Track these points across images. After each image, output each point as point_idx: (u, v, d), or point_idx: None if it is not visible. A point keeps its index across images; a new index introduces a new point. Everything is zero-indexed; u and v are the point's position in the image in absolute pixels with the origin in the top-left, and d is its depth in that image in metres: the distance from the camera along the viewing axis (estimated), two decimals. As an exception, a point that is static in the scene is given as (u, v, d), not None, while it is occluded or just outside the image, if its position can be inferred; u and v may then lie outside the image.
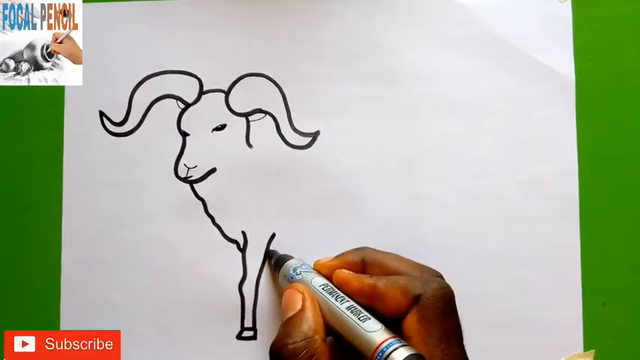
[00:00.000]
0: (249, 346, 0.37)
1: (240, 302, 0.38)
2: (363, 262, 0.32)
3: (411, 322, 0.27)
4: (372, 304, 0.29)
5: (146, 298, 0.38)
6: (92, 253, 0.38)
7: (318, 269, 0.33)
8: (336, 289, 0.31)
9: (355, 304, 0.29)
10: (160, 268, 0.38)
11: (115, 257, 0.38)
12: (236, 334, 0.37)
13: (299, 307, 0.30)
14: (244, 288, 0.38)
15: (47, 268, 0.39)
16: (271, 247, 0.38)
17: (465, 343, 0.29)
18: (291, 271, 0.34)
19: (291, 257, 0.36)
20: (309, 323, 0.28)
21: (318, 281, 0.32)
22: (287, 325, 0.29)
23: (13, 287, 0.39)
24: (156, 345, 0.38)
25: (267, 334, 0.37)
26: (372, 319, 0.28)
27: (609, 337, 0.36)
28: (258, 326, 0.37)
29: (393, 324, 0.28)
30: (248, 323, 0.37)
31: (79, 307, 0.38)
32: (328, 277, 0.32)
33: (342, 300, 0.30)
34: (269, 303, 0.37)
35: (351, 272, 0.31)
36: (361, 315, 0.28)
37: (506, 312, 0.37)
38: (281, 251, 0.37)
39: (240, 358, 0.37)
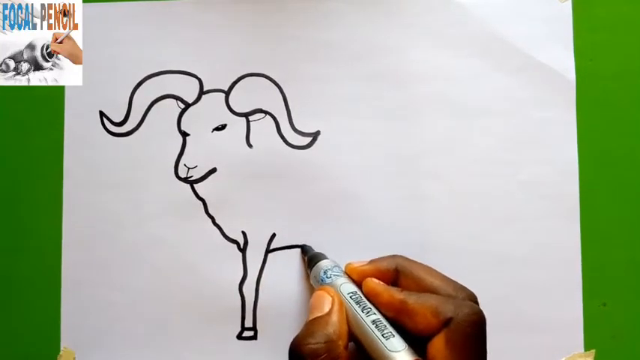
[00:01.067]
0: (249, 346, 0.37)
1: (240, 302, 0.38)
2: (397, 271, 0.31)
3: (438, 344, 0.26)
4: (399, 320, 0.28)
5: (146, 298, 0.38)
6: (92, 253, 0.38)
7: (349, 273, 0.33)
8: (364, 299, 0.30)
9: (381, 318, 0.29)
10: (160, 268, 0.38)
11: (115, 257, 0.38)
12: (236, 334, 0.37)
13: (327, 309, 0.29)
14: (244, 288, 0.38)
15: (47, 268, 0.39)
16: (274, 247, 0.38)
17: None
18: (322, 274, 0.33)
19: (324, 257, 0.35)
20: (335, 327, 0.28)
21: (347, 288, 0.31)
22: (312, 324, 0.28)
23: (13, 287, 0.39)
24: (156, 345, 0.38)
25: (267, 334, 0.37)
26: (397, 336, 0.27)
27: (609, 337, 0.36)
28: (258, 326, 0.37)
29: (418, 341, 0.27)
30: (248, 323, 0.37)
31: (79, 307, 0.38)
32: (358, 283, 0.32)
33: (368, 312, 0.29)
34: (269, 303, 0.37)
35: (381, 283, 0.30)
36: (386, 331, 0.28)
37: (506, 312, 0.37)
38: (285, 254, 0.37)
39: (240, 358, 0.37)
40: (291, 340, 0.27)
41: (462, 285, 0.29)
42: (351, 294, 0.30)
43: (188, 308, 0.38)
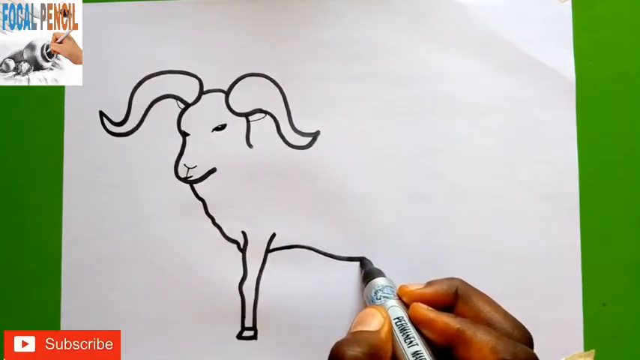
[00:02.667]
0: (249, 346, 0.37)
1: (240, 302, 0.38)
2: (456, 295, 0.30)
3: None
4: (452, 347, 0.28)
5: (146, 298, 0.38)
6: (92, 253, 0.38)
7: (401, 295, 0.31)
8: (410, 327, 0.29)
9: (423, 351, 0.28)
10: (160, 268, 0.38)
11: (115, 257, 0.38)
12: (236, 334, 0.37)
13: (375, 327, 0.29)
14: (244, 288, 0.38)
15: (47, 268, 0.39)
16: (274, 247, 0.38)
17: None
18: (372, 294, 0.32)
19: (380, 274, 0.34)
20: (381, 344, 0.28)
21: (395, 312, 0.30)
22: (359, 334, 0.28)
23: (13, 287, 0.39)
24: (156, 345, 0.38)
25: (267, 334, 0.37)
26: None
27: (609, 336, 0.36)
28: (258, 326, 0.37)
29: None
30: (248, 323, 0.37)
31: (79, 307, 0.38)
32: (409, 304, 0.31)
33: (410, 342, 0.28)
34: (269, 303, 0.37)
35: (431, 309, 0.29)
36: None
37: (506, 312, 0.37)
38: (285, 254, 0.37)
39: (240, 358, 0.37)
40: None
41: (520, 323, 0.29)
42: (397, 320, 0.29)
43: (188, 308, 0.38)
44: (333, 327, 0.37)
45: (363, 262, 0.37)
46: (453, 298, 0.30)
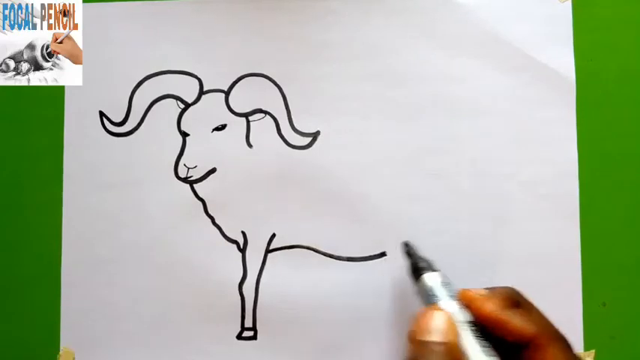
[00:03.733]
0: (249, 346, 0.37)
1: (240, 302, 0.38)
2: (517, 303, 0.30)
3: None
4: (523, 347, 0.29)
5: (146, 298, 0.38)
6: (92, 253, 0.38)
7: (463, 299, 0.31)
8: (480, 333, 0.29)
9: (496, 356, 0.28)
10: (160, 268, 0.38)
11: (115, 257, 0.38)
12: (236, 334, 0.37)
13: (447, 339, 0.28)
14: (244, 288, 0.38)
15: (47, 268, 0.39)
16: (274, 247, 0.38)
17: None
18: (437, 290, 0.31)
19: (434, 268, 0.33)
20: (456, 356, 0.28)
21: (463, 316, 0.30)
22: (432, 350, 0.28)
23: (13, 287, 0.39)
24: (156, 345, 0.38)
25: (267, 334, 0.37)
26: None
27: (609, 337, 0.36)
28: (258, 326, 0.37)
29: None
30: (248, 323, 0.37)
31: (79, 306, 0.38)
32: (468, 307, 0.30)
33: (485, 348, 0.28)
34: (269, 303, 0.37)
35: (501, 309, 0.30)
36: None
37: (506, 312, 0.37)
38: (285, 254, 0.37)
39: (240, 358, 0.37)
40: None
41: (561, 332, 0.30)
42: (470, 324, 0.29)
43: (188, 308, 0.38)
44: (333, 327, 0.37)
45: (408, 248, 0.35)
46: (514, 305, 0.30)
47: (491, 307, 0.30)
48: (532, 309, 0.30)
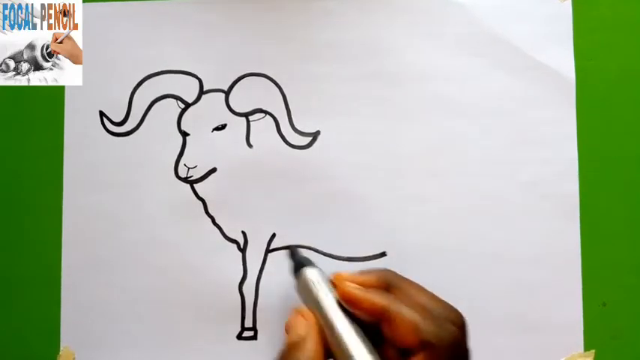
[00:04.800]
0: (249, 346, 0.37)
1: (240, 302, 0.38)
2: (388, 285, 0.30)
3: None
4: (379, 324, 0.28)
5: (146, 298, 0.38)
6: (92, 253, 0.38)
7: (335, 281, 0.31)
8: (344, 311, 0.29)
9: (358, 333, 0.28)
10: (160, 268, 0.38)
11: (115, 257, 0.38)
12: (236, 334, 0.37)
13: (302, 334, 0.29)
14: (244, 288, 0.38)
15: (47, 268, 0.39)
16: (274, 247, 0.38)
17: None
18: (310, 284, 0.31)
19: (312, 264, 0.33)
20: (309, 354, 0.28)
21: (332, 300, 0.30)
22: (288, 351, 0.29)
23: (13, 287, 0.39)
24: (156, 345, 0.38)
25: (267, 334, 0.37)
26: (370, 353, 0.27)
27: (609, 337, 0.36)
28: (258, 326, 0.37)
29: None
30: (248, 323, 0.37)
31: (79, 306, 0.38)
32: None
33: (359, 335, 0.28)
34: (269, 303, 0.37)
35: (360, 287, 0.29)
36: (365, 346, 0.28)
37: (506, 312, 0.37)
38: (284, 254, 0.37)
39: (240, 358, 0.37)
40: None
41: (451, 305, 0.29)
42: (343, 311, 0.29)
43: (188, 308, 0.38)
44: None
45: (293, 251, 0.35)
46: (385, 287, 0.30)
47: (350, 287, 0.29)
48: (402, 288, 0.30)
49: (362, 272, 0.31)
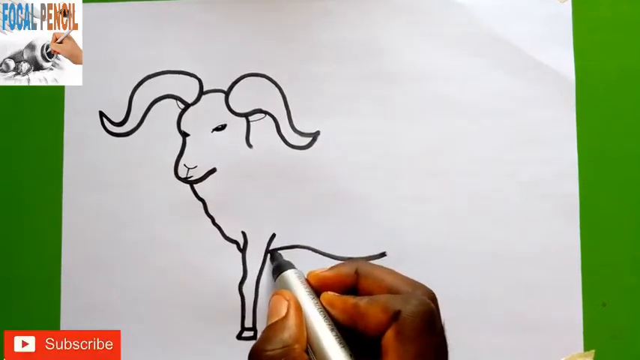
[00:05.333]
0: (249, 346, 0.37)
1: (240, 302, 0.38)
2: (357, 274, 0.31)
3: (388, 338, 0.26)
4: (354, 324, 0.28)
5: (146, 298, 0.38)
6: (92, 253, 0.38)
7: (311, 280, 0.32)
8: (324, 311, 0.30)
9: (335, 332, 0.29)
10: (160, 268, 0.38)
11: (115, 257, 0.38)
12: (236, 334, 0.37)
13: (283, 313, 0.29)
14: (244, 288, 0.38)
15: (47, 268, 0.39)
16: (274, 247, 0.38)
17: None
18: (288, 285, 0.32)
19: (292, 266, 0.34)
20: (291, 331, 0.28)
21: (309, 295, 0.31)
22: (268, 330, 0.29)
23: (13, 287, 0.39)
24: (156, 345, 0.38)
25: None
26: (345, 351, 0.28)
27: (609, 337, 0.36)
28: (258, 326, 0.37)
29: (376, 344, 0.28)
30: (248, 323, 0.37)
31: (79, 307, 0.38)
32: (319, 290, 0.31)
33: (328, 323, 0.29)
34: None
35: (336, 294, 0.30)
36: (339, 343, 0.28)
37: (506, 312, 0.37)
38: (285, 254, 0.37)
39: (240, 358, 0.37)
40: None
41: (420, 283, 0.30)
42: (315, 302, 0.30)
43: (188, 308, 0.38)
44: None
45: (273, 255, 0.36)
46: (355, 278, 0.30)
47: (324, 296, 0.30)
48: (370, 275, 0.30)
49: (333, 267, 0.32)
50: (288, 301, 0.30)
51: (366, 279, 0.30)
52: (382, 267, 0.31)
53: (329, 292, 0.31)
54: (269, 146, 0.38)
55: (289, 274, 0.33)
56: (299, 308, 0.30)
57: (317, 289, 0.31)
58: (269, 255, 0.37)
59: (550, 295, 0.37)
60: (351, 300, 0.29)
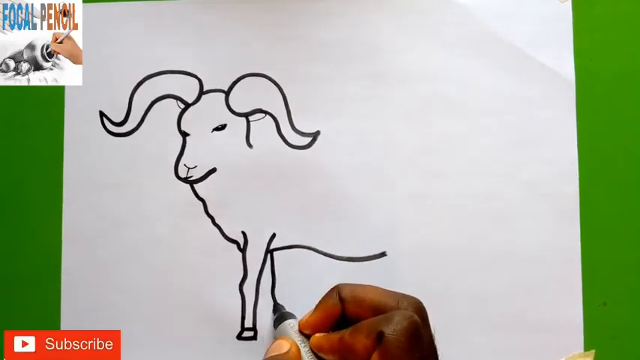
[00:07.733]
0: (249, 346, 0.37)
1: (240, 302, 0.38)
2: (342, 301, 0.31)
3: None
4: (346, 357, 0.29)
5: (146, 298, 0.38)
6: (92, 253, 0.38)
7: (302, 329, 0.32)
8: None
9: None
10: (160, 268, 0.38)
11: (115, 257, 0.38)
12: (236, 334, 0.37)
13: (285, 350, 0.30)
14: (244, 288, 0.38)
15: (47, 268, 0.39)
16: (274, 247, 0.38)
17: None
18: (285, 332, 0.33)
19: (292, 316, 0.35)
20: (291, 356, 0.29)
21: (302, 344, 0.31)
22: (274, 358, 0.30)
23: (13, 287, 0.39)
24: (156, 345, 0.38)
25: (267, 334, 0.37)
26: None
27: (609, 337, 0.36)
28: (258, 326, 0.37)
29: None
30: (248, 323, 0.37)
31: (79, 307, 0.38)
32: (312, 333, 0.32)
33: None
34: (269, 303, 0.37)
35: (321, 335, 0.31)
36: None
37: (506, 312, 0.37)
38: (285, 254, 0.37)
39: (240, 358, 0.37)
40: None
41: (404, 295, 0.30)
42: (304, 353, 0.31)
43: (188, 308, 0.38)
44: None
45: (276, 307, 0.37)
46: (340, 305, 0.31)
47: (313, 340, 0.31)
48: (353, 296, 0.30)
49: (317, 306, 0.32)
50: (290, 343, 0.31)
51: (350, 303, 0.30)
52: (363, 285, 0.31)
53: (315, 335, 0.31)
54: (269, 146, 0.38)
55: (285, 325, 0.33)
56: (299, 351, 0.31)
57: (310, 333, 0.32)
58: (272, 306, 0.37)
59: (550, 295, 0.37)
60: (335, 336, 0.29)
